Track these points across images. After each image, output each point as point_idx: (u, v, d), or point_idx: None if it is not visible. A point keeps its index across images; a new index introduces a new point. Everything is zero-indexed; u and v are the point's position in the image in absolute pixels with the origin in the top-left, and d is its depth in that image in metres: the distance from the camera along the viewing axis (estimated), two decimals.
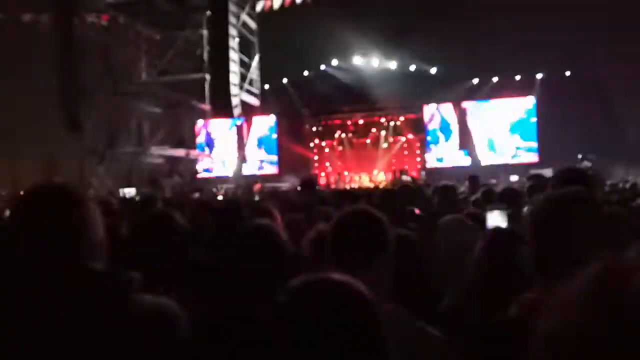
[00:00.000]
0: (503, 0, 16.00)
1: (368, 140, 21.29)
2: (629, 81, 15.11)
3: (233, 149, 21.52)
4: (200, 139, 21.35)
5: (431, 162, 20.10)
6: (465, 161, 19.44)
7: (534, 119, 19.00)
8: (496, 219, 2.17)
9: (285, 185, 16.14)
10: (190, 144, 19.46)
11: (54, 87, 15.01)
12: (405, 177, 15.92)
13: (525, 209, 2.73)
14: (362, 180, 19.76)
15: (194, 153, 19.48)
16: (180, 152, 18.08)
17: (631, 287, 0.59)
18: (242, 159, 21.39)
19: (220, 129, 21.49)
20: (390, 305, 1.45)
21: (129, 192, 13.44)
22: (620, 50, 14.62)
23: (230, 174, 20.99)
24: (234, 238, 2.32)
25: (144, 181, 15.13)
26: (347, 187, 16.48)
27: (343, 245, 1.48)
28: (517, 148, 19.21)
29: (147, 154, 17.13)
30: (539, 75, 19.08)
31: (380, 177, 19.86)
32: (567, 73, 18.36)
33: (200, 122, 21.24)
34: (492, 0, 16.06)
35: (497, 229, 1.93)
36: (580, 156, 11.95)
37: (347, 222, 1.53)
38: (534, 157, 18.65)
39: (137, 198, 8.42)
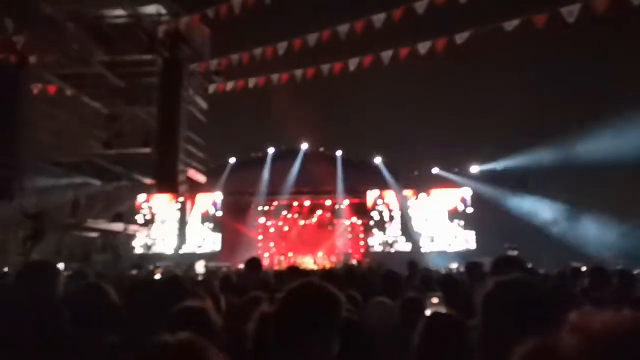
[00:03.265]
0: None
1: (314, 221, 21.44)
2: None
3: (174, 226, 20.89)
4: (141, 214, 20.64)
5: (374, 246, 20.38)
6: (406, 247, 19.86)
7: (470, 209, 19.97)
8: (435, 303, 2.23)
9: (225, 265, 15.64)
10: (129, 218, 18.71)
11: None
12: (351, 261, 15.96)
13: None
14: (306, 262, 19.56)
15: (132, 228, 18.70)
16: (117, 227, 17.30)
17: None
18: (183, 236, 20.74)
19: (162, 205, 20.95)
20: None
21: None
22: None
23: (170, 251, 20.19)
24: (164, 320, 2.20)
25: (75, 256, 14.17)
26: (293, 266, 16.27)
27: (285, 319, 1.40)
28: (455, 236, 19.94)
29: (82, 227, 16.23)
30: (474, 168, 20.42)
31: (324, 260, 19.79)
32: (497, 167, 19.83)
33: (141, 197, 20.66)
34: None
35: (436, 314, 1.97)
36: (507, 245, 13.00)
37: (296, 294, 1.45)
38: (471, 245, 19.36)
39: (66, 274, 7.86)
